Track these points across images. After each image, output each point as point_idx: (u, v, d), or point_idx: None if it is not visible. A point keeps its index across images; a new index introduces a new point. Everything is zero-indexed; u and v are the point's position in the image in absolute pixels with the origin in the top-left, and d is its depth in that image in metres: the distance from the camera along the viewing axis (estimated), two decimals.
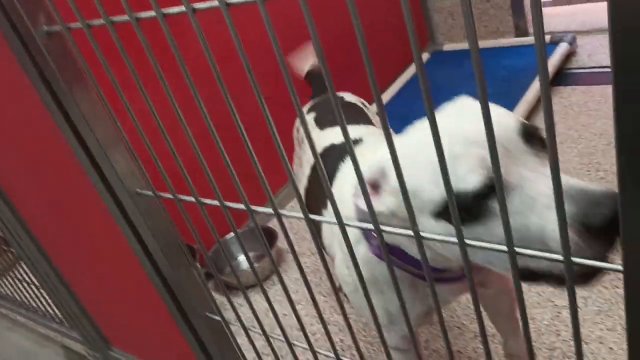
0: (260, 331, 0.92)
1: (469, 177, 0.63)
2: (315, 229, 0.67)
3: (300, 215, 0.69)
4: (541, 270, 0.64)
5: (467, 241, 0.53)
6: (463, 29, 2.86)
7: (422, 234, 0.57)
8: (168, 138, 0.73)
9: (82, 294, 1.47)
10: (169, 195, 0.83)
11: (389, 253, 0.87)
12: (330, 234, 1.03)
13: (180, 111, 0.68)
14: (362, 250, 0.93)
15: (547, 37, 2.57)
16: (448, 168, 0.63)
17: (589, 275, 0.62)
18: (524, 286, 1.48)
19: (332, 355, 0.86)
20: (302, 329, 0.83)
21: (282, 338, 0.91)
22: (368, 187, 0.76)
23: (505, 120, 0.67)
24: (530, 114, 2.24)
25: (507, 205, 0.61)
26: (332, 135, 1.21)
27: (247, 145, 0.64)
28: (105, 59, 0.68)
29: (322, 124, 1.30)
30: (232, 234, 2.01)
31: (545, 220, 0.60)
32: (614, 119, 0.39)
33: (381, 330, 0.71)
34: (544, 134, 0.70)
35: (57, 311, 1.70)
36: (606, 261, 0.60)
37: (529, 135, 0.66)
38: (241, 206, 0.74)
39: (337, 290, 0.75)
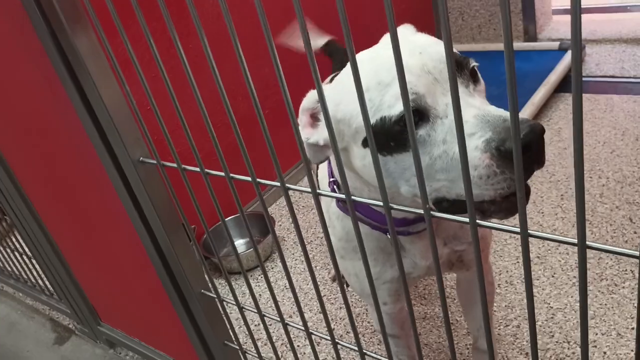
0: (255, 310, 0.91)
1: (393, 103, 0.64)
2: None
3: (307, 189, 0.68)
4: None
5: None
6: (472, 30, 2.85)
7: (433, 213, 0.55)
8: (177, 103, 0.72)
9: (75, 266, 1.46)
10: (173, 165, 0.82)
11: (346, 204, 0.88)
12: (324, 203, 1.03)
13: (192, 77, 0.67)
14: (334, 204, 0.94)
15: (556, 44, 2.57)
16: (375, 96, 0.66)
17: (513, 204, 0.62)
18: (521, 288, 1.46)
19: (327, 337, 0.84)
20: (299, 308, 0.82)
21: (277, 318, 0.89)
22: (306, 118, 0.77)
23: (436, 49, 0.67)
24: (536, 117, 2.23)
25: (432, 134, 0.64)
26: None
27: (259, 112, 0.63)
28: (116, 14, 0.67)
29: None
30: (226, 219, 2.00)
31: (467, 147, 0.61)
32: None
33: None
34: (474, 64, 0.69)
35: (47, 283, 1.69)
36: (527, 186, 0.61)
37: (460, 66, 0.67)
38: (247, 178, 0.73)
39: (339, 273, 0.74)
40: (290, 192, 2.27)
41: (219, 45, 1.56)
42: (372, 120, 0.65)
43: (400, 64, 0.47)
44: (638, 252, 0.47)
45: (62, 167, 1.12)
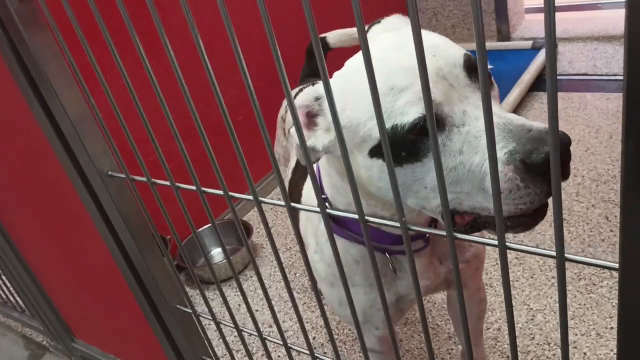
0: (232, 325, 0.88)
1: (407, 110, 0.59)
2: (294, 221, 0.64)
3: (280, 202, 0.66)
4: (481, 219, 0.62)
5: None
6: (446, 31, 2.86)
7: (409, 226, 0.54)
8: (144, 116, 0.69)
9: (46, 282, 1.41)
10: (143, 179, 0.79)
11: (340, 222, 0.81)
12: (305, 221, 0.98)
13: (159, 89, 0.65)
14: (323, 225, 0.89)
15: (529, 43, 2.59)
16: (387, 101, 0.60)
17: (533, 217, 0.59)
18: (500, 290, 1.46)
19: (306, 351, 0.82)
20: (276, 321, 0.80)
21: (254, 332, 0.87)
22: (302, 117, 0.70)
23: (451, 52, 0.63)
24: None
25: (448, 143, 0.60)
26: None
27: (229, 125, 0.61)
28: (80, 29, 0.64)
29: None
30: (204, 227, 1.96)
31: (487, 159, 0.56)
32: (623, 124, 0.39)
33: (359, 328, 0.67)
34: (490, 67, 0.66)
35: (19, 299, 1.64)
36: (544, 202, 0.57)
37: (475, 70, 0.62)
38: (219, 192, 0.70)
39: (315, 283, 0.72)
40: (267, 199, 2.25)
41: (193, 50, 1.53)
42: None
43: (370, 65, 0.44)
44: (617, 265, 0.46)
45: (31, 182, 1.09)
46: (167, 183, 0.76)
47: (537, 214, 0.58)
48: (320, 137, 0.70)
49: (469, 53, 0.65)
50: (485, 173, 0.57)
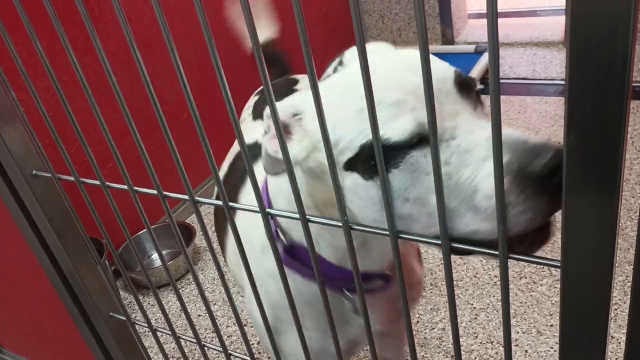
0: (169, 332, 0.84)
1: (398, 125, 0.56)
2: (221, 248, 0.60)
3: (218, 202, 0.62)
4: (473, 238, 0.56)
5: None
6: (393, 33, 2.88)
7: (352, 225, 0.52)
8: (71, 111, 0.64)
9: None
10: (70, 178, 0.74)
11: (294, 255, 0.73)
12: (236, 259, 0.88)
13: (87, 85, 0.60)
14: (269, 261, 0.78)
15: (472, 47, 2.64)
16: (377, 114, 0.52)
17: (536, 239, 0.53)
18: (446, 290, 1.48)
19: (248, 358, 0.79)
20: (216, 329, 0.76)
21: (194, 340, 0.83)
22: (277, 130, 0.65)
23: (441, 69, 0.61)
24: None
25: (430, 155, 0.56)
26: (259, 131, 1.08)
27: (162, 120, 0.57)
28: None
29: (257, 113, 1.20)
30: (145, 230, 1.89)
31: (479, 173, 0.53)
32: (565, 120, 0.38)
33: None
34: (480, 87, 0.63)
35: None
36: (548, 220, 0.53)
37: (468, 87, 0.60)
38: (152, 191, 0.67)
39: (230, 293, 0.69)
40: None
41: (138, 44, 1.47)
42: (364, 140, 0.58)
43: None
44: (559, 262, 0.45)
45: None
46: (97, 182, 0.71)
47: (540, 235, 0.53)
48: (295, 147, 0.65)
49: (458, 70, 0.62)
50: (477, 188, 0.53)
